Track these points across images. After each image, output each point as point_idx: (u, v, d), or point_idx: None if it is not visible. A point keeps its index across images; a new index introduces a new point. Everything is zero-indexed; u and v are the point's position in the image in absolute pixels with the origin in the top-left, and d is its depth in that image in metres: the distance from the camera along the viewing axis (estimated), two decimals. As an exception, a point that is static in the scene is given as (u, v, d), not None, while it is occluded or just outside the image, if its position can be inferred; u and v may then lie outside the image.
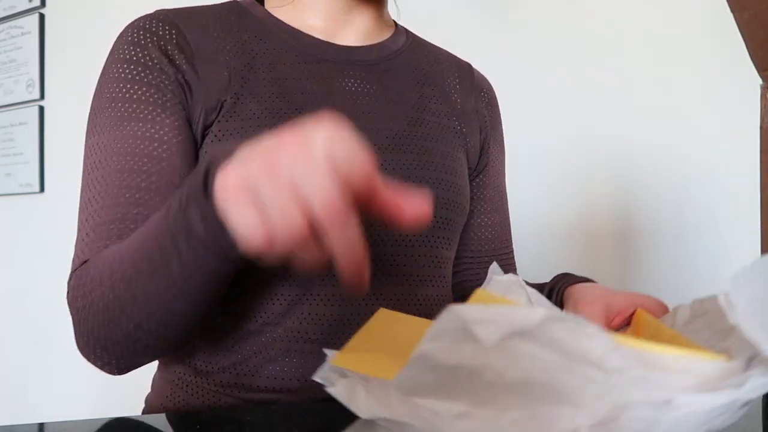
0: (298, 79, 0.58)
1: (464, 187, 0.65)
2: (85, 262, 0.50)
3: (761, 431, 0.41)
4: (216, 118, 0.55)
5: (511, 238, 0.77)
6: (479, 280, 0.71)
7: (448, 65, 0.71)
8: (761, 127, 0.52)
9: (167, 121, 0.54)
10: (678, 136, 1.29)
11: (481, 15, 1.31)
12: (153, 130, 0.53)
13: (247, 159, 0.32)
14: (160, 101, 0.54)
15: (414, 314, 0.56)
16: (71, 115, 1.69)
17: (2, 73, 1.84)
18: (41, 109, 1.74)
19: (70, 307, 0.50)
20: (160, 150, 0.53)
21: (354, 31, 0.64)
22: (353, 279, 0.31)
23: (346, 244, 0.30)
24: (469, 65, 0.74)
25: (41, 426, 0.44)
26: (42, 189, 1.74)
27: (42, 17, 1.76)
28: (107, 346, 0.47)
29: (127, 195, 0.51)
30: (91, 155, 0.54)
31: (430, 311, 0.59)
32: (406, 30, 0.70)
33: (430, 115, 0.64)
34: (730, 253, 1.28)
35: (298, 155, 0.30)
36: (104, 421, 0.44)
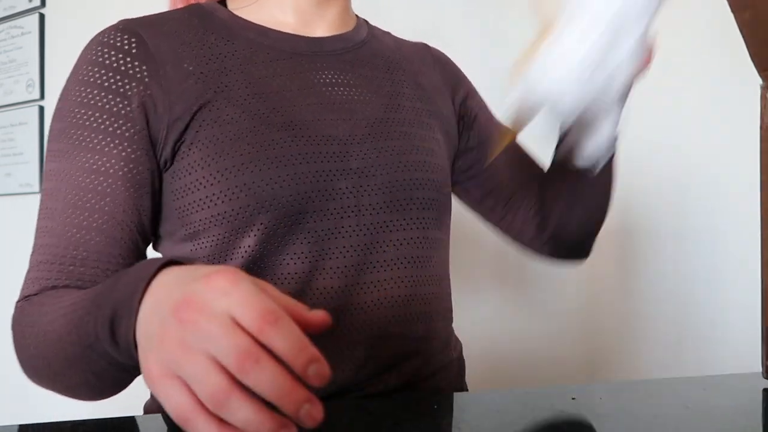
0: (271, 76, 0.58)
1: (445, 168, 0.66)
2: (27, 297, 0.54)
3: (761, 430, 0.41)
4: (186, 127, 0.55)
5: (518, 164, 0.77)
6: (525, 208, 0.74)
7: (407, 50, 0.72)
8: (761, 127, 0.52)
9: (115, 151, 0.54)
10: (678, 136, 1.29)
11: (478, 10, 1.31)
12: (100, 163, 0.54)
13: (155, 338, 0.33)
14: (111, 128, 0.54)
15: (408, 297, 0.59)
16: (71, 115, 1.69)
17: (2, 73, 1.84)
18: (41, 109, 1.74)
19: (12, 337, 0.53)
20: (105, 184, 0.54)
21: (324, 24, 0.64)
22: (295, 411, 0.30)
23: (270, 385, 0.29)
24: (424, 44, 0.75)
25: (41, 426, 0.44)
26: (42, 189, 1.74)
27: (42, 17, 1.76)
28: (45, 385, 0.52)
29: (69, 234, 0.53)
30: (48, 180, 0.56)
31: (423, 293, 0.60)
32: (366, 21, 0.71)
33: (404, 100, 0.65)
34: (729, 253, 1.28)
35: (200, 325, 0.31)
36: (104, 422, 0.44)
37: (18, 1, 1.80)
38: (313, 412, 0.30)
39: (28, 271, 0.55)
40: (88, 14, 1.68)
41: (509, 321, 1.33)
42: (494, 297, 1.33)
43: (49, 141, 0.57)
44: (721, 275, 1.29)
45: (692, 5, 1.09)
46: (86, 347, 0.41)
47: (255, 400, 0.30)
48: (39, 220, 0.56)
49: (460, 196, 0.78)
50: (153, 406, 0.62)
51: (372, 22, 0.74)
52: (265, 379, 0.29)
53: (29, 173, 1.75)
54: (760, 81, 0.53)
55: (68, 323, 0.43)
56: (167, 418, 0.45)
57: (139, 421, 0.45)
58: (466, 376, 0.71)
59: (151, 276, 0.37)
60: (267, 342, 0.30)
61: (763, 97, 0.52)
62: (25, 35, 1.79)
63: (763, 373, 0.52)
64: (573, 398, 0.47)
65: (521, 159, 0.76)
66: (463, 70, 0.78)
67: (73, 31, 1.70)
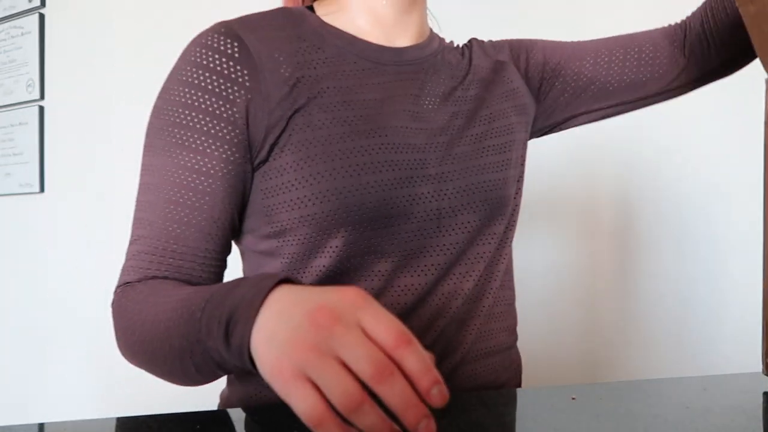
0: (358, 86, 0.61)
1: (516, 158, 0.68)
2: (128, 283, 0.57)
3: (761, 430, 0.41)
4: (282, 131, 0.57)
5: (594, 44, 0.76)
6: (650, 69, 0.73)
7: (467, 52, 0.74)
8: (765, 122, 0.52)
9: (216, 153, 0.57)
10: (681, 133, 1.29)
11: (482, 10, 1.31)
12: (202, 163, 0.57)
13: (286, 341, 0.36)
14: (213, 131, 0.57)
15: (479, 291, 0.64)
16: (71, 115, 1.69)
17: (2, 73, 1.84)
18: (41, 109, 1.74)
19: (113, 318, 0.56)
20: (206, 184, 0.57)
21: (405, 34, 0.67)
22: (416, 423, 0.33)
23: (399, 397, 0.33)
24: (471, 41, 0.77)
25: (41, 426, 0.44)
26: (42, 189, 1.74)
27: (42, 17, 1.76)
28: (143, 366, 0.54)
29: (170, 229, 0.57)
30: (146, 174, 0.59)
31: (492, 288, 0.65)
32: (436, 33, 0.74)
33: (473, 102, 0.68)
34: (729, 253, 1.28)
35: (335, 331, 0.34)
36: (104, 422, 0.44)
37: (18, 1, 1.80)
38: (431, 426, 0.33)
39: (128, 259, 0.58)
40: (88, 14, 1.68)
41: (509, 321, 1.33)
42: (494, 297, 1.33)
43: (149, 134, 0.59)
44: (721, 275, 1.29)
45: None
46: (194, 342, 0.44)
47: (379, 408, 0.33)
48: (137, 211, 0.59)
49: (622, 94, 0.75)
50: (231, 398, 0.64)
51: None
52: (397, 391, 0.33)
53: (29, 173, 1.75)
54: (765, 75, 0.53)
55: (179, 317, 0.46)
56: (168, 417, 0.45)
57: (141, 421, 0.45)
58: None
59: (271, 287, 0.40)
60: (400, 359, 0.34)
61: (767, 93, 0.52)
62: (25, 35, 1.79)
63: (763, 370, 0.52)
64: (573, 398, 0.47)
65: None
66: None
67: (73, 31, 1.70)
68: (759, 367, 0.53)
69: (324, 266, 0.58)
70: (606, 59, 0.73)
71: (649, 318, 1.32)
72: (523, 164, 0.71)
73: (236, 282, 0.44)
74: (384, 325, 0.35)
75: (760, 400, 0.47)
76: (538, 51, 0.75)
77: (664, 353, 1.32)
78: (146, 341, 0.50)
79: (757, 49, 0.52)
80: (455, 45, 0.75)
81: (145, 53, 1.55)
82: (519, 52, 0.75)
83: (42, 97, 1.75)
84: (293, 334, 0.35)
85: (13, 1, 1.81)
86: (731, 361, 1.28)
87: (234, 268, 0.63)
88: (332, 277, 0.59)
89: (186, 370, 0.47)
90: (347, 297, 0.36)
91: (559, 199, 1.34)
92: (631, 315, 1.33)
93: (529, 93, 0.74)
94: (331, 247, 0.58)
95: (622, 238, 1.34)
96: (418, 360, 0.34)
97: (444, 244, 0.61)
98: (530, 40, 0.77)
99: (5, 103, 1.82)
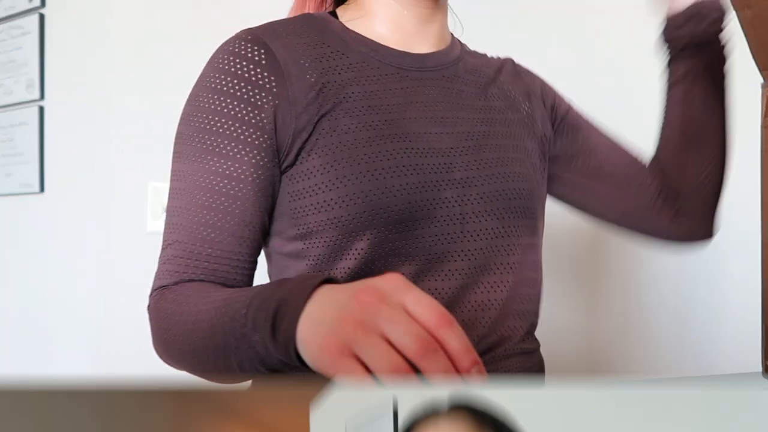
0: (382, 91, 0.62)
1: (537, 177, 0.69)
2: (164, 286, 0.59)
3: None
4: (309, 136, 0.58)
5: (623, 149, 0.80)
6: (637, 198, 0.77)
7: (495, 63, 0.75)
8: (762, 126, 0.52)
9: (246, 158, 0.58)
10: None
11: (482, 10, 1.31)
12: (232, 168, 0.58)
13: (333, 321, 0.38)
14: (242, 136, 0.58)
15: (502, 300, 0.63)
16: (71, 115, 1.69)
17: (2, 73, 1.84)
18: (41, 109, 1.74)
19: (150, 320, 0.59)
20: (236, 189, 0.58)
21: (425, 41, 0.68)
22: None
23: (443, 371, 0.34)
24: (507, 59, 0.78)
25: (40, 426, 0.43)
26: (42, 189, 1.74)
27: (42, 17, 1.76)
28: (181, 366, 0.57)
29: (204, 233, 0.58)
30: (176, 180, 0.60)
31: (515, 297, 0.65)
32: (458, 39, 0.75)
33: (495, 113, 0.69)
34: (729, 253, 1.28)
35: (380, 309, 0.36)
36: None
37: (18, 1, 1.80)
38: None
39: (162, 264, 0.60)
40: (87, 14, 1.68)
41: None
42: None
43: (178, 142, 0.61)
44: (721, 275, 1.29)
45: (692, 5, 1.08)
46: (240, 337, 0.46)
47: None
48: (169, 216, 0.60)
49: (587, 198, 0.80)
50: None
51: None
52: (441, 367, 0.34)
53: (29, 173, 1.75)
54: (761, 79, 0.53)
55: (222, 314, 0.48)
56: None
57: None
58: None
59: (316, 284, 0.42)
60: (442, 338, 0.35)
61: (763, 96, 0.52)
62: (25, 35, 1.79)
63: (762, 371, 0.52)
64: (573, 398, 0.47)
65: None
66: None
67: (73, 31, 1.70)
68: (759, 367, 0.53)
69: (349, 268, 0.59)
70: (614, 144, 0.78)
71: (649, 318, 1.32)
72: (544, 186, 0.72)
73: (280, 282, 0.46)
74: (427, 306, 0.36)
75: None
76: (565, 103, 0.78)
77: (664, 353, 1.32)
78: (187, 340, 0.52)
79: (753, 53, 0.53)
80: (482, 53, 0.76)
81: (145, 53, 1.55)
82: (549, 93, 0.77)
83: (42, 97, 1.75)
84: (339, 313, 0.37)
85: (13, 1, 1.81)
86: (731, 361, 1.28)
87: (259, 270, 0.64)
88: (357, 280, 0.59)
89: (228, 367, 0.49)
90: (390, 281, 0.38)
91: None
92: (631, 315, 1.33)
93: (551, 127, 0.75)
94: (356, 249, 0.59)
95: (622, 239, 1.34)
96: (459, 340, 0.35)
97: (468, 249, 0.62)
98: (559, 96, 0.79)
99: (5, 103, 1.82)
